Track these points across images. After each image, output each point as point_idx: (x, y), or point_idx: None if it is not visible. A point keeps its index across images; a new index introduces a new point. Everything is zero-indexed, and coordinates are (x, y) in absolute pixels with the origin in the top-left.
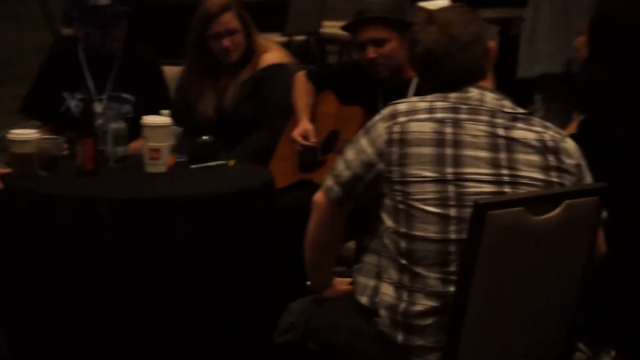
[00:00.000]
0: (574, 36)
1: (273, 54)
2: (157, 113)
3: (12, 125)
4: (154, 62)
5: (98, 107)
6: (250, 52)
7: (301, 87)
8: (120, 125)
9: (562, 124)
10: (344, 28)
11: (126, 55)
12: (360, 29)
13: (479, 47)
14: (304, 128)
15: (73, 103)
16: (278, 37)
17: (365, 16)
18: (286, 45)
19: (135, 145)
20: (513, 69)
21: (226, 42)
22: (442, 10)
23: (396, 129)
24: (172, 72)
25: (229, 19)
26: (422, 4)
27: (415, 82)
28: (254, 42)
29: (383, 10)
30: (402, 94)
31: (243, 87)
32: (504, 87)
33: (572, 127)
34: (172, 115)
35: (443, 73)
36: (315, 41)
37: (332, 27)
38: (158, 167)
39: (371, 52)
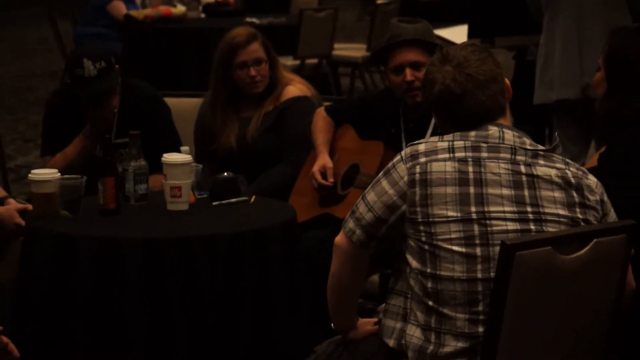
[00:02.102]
0: (588, 62)
1: (296, 86)
2: (166, 149)
3: (27, 153)
4: (155, 98)
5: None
6: (274, 84)
7: (320, 122)
8: (140, 163)
9: (581, 150)
10: (378, 51)
11: (126, 97)
12: (395, 52)
13: (496, 85)
14: (323, 164)
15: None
16: (290, 61)
17: (401, 39)
18: (298, 69)
19: (150, 182)
20: (530, 95)
21: (253, 71)
22: (456, 49)
23: (417, 169)
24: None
25: (256, 49)
26: (438, 32)
27: None
28: (277, 73)
29: (419, 34)
30: (425, 124)
31: (266, 119)
32: (523, 113)
33: (593, 160)
34: (194, 144)
35: (462, 112)
36: (327, 64)
37: (343, 50)
38: (179, 205)
39: (409, 75)
